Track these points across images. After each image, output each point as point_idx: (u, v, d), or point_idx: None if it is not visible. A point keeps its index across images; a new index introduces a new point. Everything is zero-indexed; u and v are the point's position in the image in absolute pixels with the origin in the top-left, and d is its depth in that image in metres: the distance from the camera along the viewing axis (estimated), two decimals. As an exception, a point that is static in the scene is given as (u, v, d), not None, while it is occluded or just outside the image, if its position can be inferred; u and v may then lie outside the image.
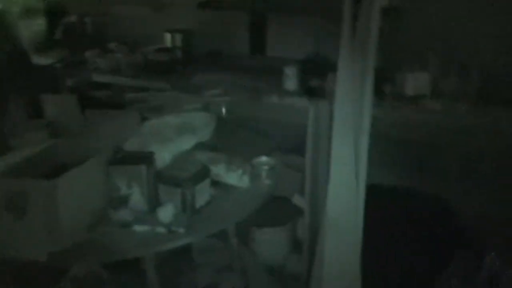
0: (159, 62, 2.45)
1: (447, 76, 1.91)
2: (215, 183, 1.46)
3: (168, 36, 2.68)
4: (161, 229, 1.27)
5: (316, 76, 2.08)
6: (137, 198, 1.32)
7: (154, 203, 1.34)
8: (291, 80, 2.05)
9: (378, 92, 1.83)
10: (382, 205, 1.85)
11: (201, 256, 2.12)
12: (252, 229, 2.14)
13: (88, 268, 1.96)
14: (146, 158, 1.35)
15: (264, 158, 1.57)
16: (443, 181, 2.02)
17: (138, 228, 1.28)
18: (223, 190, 1.47)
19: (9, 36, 2.66)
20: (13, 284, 1.64)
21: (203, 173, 1.38)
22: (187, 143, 1.54)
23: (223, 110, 2.04)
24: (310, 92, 1.99)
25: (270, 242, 2.17)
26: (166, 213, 1.28)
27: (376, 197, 1.69)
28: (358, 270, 1.72)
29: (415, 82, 1.88)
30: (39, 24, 3.09)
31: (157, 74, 2.40)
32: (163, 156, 1.45)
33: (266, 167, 1.54)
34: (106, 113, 1.75)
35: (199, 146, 1.59)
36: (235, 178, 1.48)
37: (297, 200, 2.15)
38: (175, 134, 1.55)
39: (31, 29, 3.06)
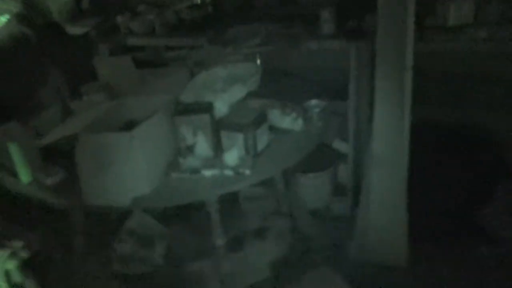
0: (192, 19, 2.46)
1: (490, 2, 1.86)
2: (271, 128, 1.53)
3: (196, -8, 2.67)
4: (228, 172, 1.36)
5: (352, 17, 2.06)
6: (202, 145, 1.41)
7: (218, 149, 1.43)
8: (328, 23, 2.04)
9: (420, 25, 1.81)
10: (427, 139, 1.88)
11: (247, 203, 2.22)
12: (296, 174, 2.22)
13: (142, 219, 2.10)
14: (207, 107, 1.43)
15: (314, 101, 1.62)
16: (489, 112, 2.02)
17: (206, 172, 1.38)
18: (279, 134, 1.54)
19: (39, 10, 2.71)
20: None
21: (261, 118, 1.45)
22: (239, 92, 1.59)
23: (258, 60, 2.07)
24: (349, 34, 1.99)
25: (314, 187, 2.24)
26: (232, 156, 1.37)
27: (420, 131, 1.73)
28: (405, 206, 1.79)
29: (458, 10, 1.85)
30: (66, -5, 3.12)
31: (191, 31, 2.42)
32: (219, 106, 1.52)
33: (317, 110, 1.60)
34: (156, 71, 1.82)
35: (249, 95, 1.65)
36: (290, 122, 1.55)
37: (337, 144, 2.20)
38: (227, 85, 1.61)
39: (59, 1, 3.09)
